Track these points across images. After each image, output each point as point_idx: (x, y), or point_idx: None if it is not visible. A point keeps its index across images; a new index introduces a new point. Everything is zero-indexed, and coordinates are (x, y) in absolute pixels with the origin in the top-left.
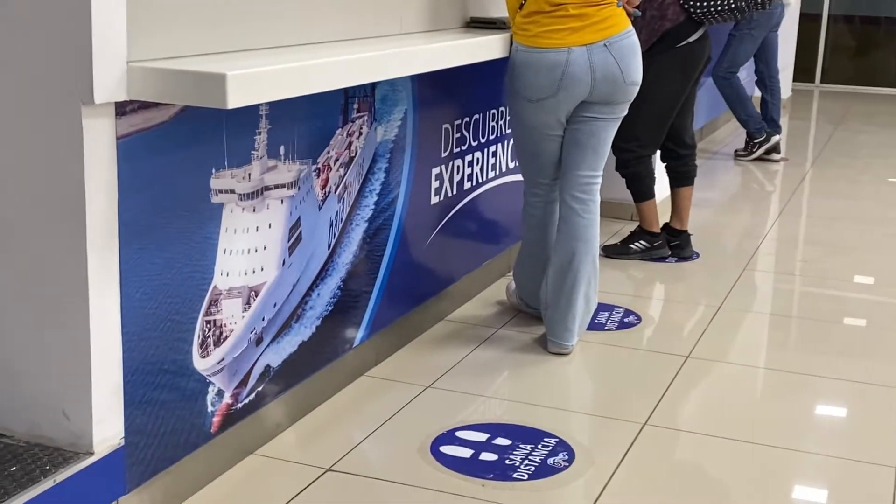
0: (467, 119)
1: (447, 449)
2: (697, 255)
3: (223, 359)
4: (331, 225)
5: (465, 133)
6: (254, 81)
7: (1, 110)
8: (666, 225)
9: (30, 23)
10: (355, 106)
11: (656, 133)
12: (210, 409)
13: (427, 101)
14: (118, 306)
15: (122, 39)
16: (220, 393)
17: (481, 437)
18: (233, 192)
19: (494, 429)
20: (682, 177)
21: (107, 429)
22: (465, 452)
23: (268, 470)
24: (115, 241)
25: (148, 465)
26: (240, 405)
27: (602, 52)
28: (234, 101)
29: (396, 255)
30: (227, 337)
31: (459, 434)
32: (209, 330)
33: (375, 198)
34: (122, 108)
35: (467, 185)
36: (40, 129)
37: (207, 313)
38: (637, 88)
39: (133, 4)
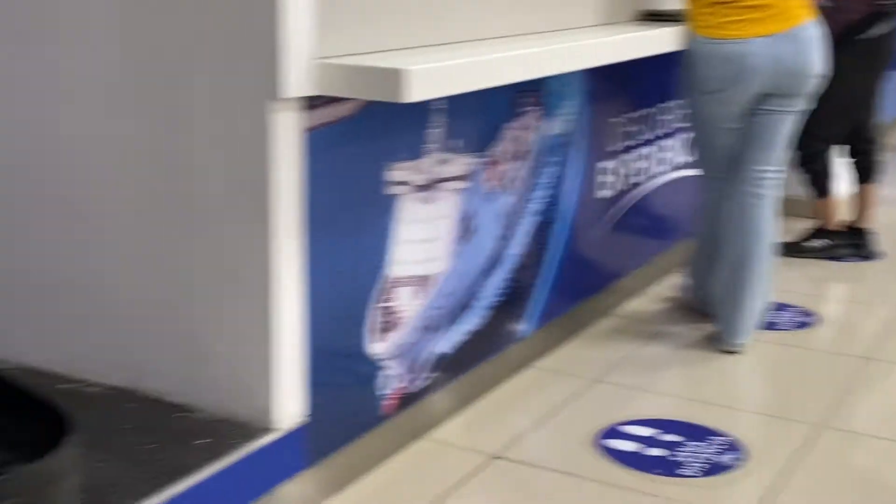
0: (639, 113)
1: (614, 442)
2: (881, 256)
3: (397, 344)
4: (501, 217)
5: (637, 127)
6: (432, 77)
7: (196, 104)
8: (850, 223)
9: (225, 23)
10: (528, 100)
11: (835, 129)
12: (384, 392)
13: (598, 94)
14: (301, 291)
15: (310, 37)
16: (393, 377)
17: (649, 432)
18: (408, 184)
19: (662, 424)
20: (863, 173)
21: (289, 407)
22: (632, 447)
23: (437, 454)
24: (300, 229)
25: (326, 442)
26: (412, 390)
27: (782, 43)
28: (413, 95)
29: (565, 248)
30: (400, 324)
31: (626, 428)
32: (384, 316)
33: (545, 191)
34: (310, 103)
35: (638, 179)
36: (232, 122)
37: (383, 300)
38: (817, 81)
39: (320, 4)
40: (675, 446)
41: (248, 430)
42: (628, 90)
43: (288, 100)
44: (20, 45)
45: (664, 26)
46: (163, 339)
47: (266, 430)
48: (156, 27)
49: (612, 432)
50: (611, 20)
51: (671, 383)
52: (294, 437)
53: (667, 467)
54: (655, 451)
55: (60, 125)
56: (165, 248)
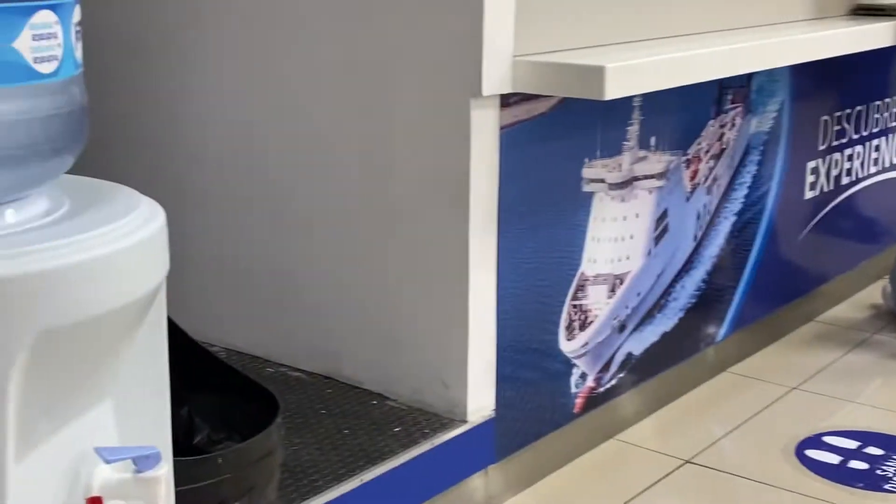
0: (848, 111)
1: (813, 453)
2: None
3: (587, 343)
4: (698, 217)
5: (846, 125)
6: (631, 73)
7: (399, 102)
8: None
9: (428, 23)
10: (729, 97)
11: None
12: (574, 390)
13: (806, 91)
14: (495, 285)
15: (510, 36)
16: (583, 376)
17: (851, 444)
18: (603, 181)
19: (866, 437)
20: None
21: (480, 399)
22: (833, 458)
23: (626, 455)
24: (495, 225)
25: (515, 437)
26: (601, 389)
27: None
28: (612, 92)
29: (765, 250)
30: (591, 322)
31: (827, 439)
32: (575, 314)
33: (746, 191)
34: (506, 100)
35: (845, 180)
36: (433, 119)
37: (574, 297)
38: None
39: (518, 2)
40: (880, 460)
41: (440, 421)
42: (838, 87)
43: (488, 97)
44: (243, 49)
45: (879, 20)
46: (362, 329)
47: (457, 421)
48: (365, 23)
49: (812, 442)
50: (822, 14)
51: (876, 394)
52: (484, 431)
53: (870, 481)
54: (858, 465)
55: (273, 124)
56: (366, 240)
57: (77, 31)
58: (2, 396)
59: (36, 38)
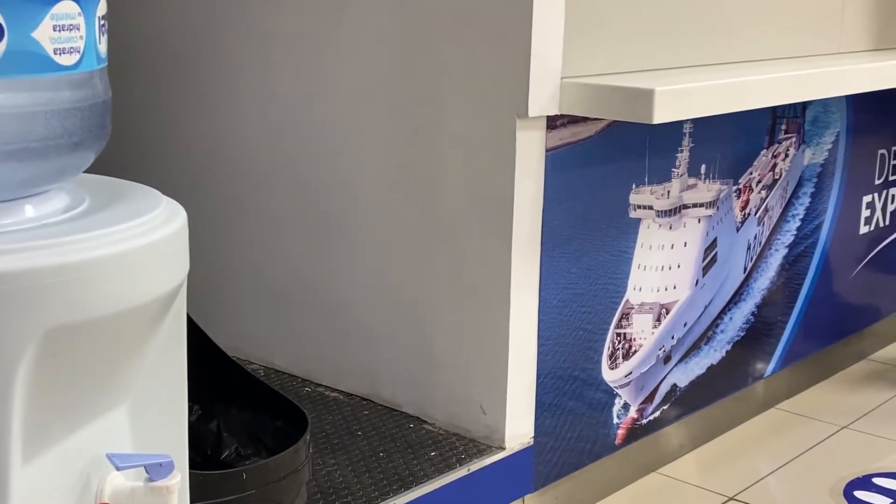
0: None
1: (862, 494)
2: None
3: (631, 372)
4: (748, 248)
5: None
6: (680, 98)
7: (446, 121)
8: None
9: (476, 42)
10: (783, 127)
11: None
12: (616, 421)
13: (862, 123)
14: (536, 310)
15: (558, 58)
16: (625, 406)
17: None
18: (651, 208)
19: None
20: None
21: (519, 427)
22: (883, 501)
23: (669, 490)
24: (538, 248)
25: (554, 467)
26: (644, 421)
27: None
28: (660, 116)
29: (817, 285)
30: (636, 351)
31: (877, 480)
32: (619, 342)
33: (798, 223)
34: (552, 122)
35: None
36: (479, 139)
37: (618, 326)
38: None
39: (567, 24)
40: None
41: (477, 447)
42: (895, 119)
43: (535, 118)
44: (291, 65)
45: None
46: (402, 351)
47: (495, 447)
48: (413, 42)
49: (862, 483)
50: (881, 45)
51: None
52: (522, 459)
53: None
54: None
55: (318, 142)
56: (408, 261)
57: (102, 25)
58: (7, 393)
59: (57, 28)
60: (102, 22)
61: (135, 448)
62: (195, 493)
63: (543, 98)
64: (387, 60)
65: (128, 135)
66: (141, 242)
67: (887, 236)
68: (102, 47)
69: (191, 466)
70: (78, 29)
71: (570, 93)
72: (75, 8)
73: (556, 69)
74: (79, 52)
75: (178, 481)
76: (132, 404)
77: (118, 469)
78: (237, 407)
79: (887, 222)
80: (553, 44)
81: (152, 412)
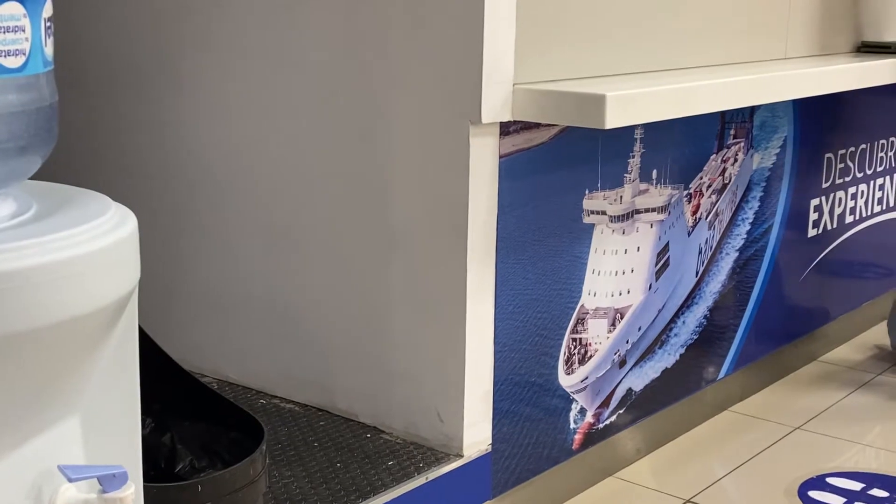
0: (852, 149)
1: (816, 494)
2: None
3: (587, 377)
4: (699, 252)
5: (850, 163)
6: (632, 103)
7: (397, 128)
8: None
9: (428, 48)
10: (732, 132)
11: None
12: (572, 426)
13: (809, 128)
14: (492, 317)
15: (510, 64)
16: (582, 411)
17: (856, 486)
18: (604, 213)
19: (870, 479)
20: None
21: (476, 434)
22: (837, 500)
23: (626, 494)
24: (493, 254)
25: (512, 473)
26: (601, 426)
27: None
28: (613, 121)
29: (767, 287)
30: (591, 356)
31: (831, 480)
32: (575, 348)
33: (748, 227)
34: (505, 128)
35: (849, 219)
36: (431, 146)
37: (574, 331)
38: None
39: (518, 31)
40: (885, 502)
41: (435, 455)
42: (842, 124)
43: (488, 125)
44: (238, 75)
45: (884, 57)
46: (357, 360)
47: (453, 455)
48: (365, 49)
49: (816, 483)
50: (826, 51)
51: (880, 436)
52: (480, 466)
53: None
54: None
55: (268, 150)
56: (362, 269)
57: (48, 27)
58: None
59: (1, 30)
60: (49, 24)
61: (87, 460)
62: None
63: (496, 104)
64: (338, 68)
65: (79, 145)
66: (91, 248)
67: (835, 239)
68: (49, 50)
69: (145, 480)
70: (23, 31)
71: (523, 98)
72: (20, 9)
73: (509, 75)
74: (24, 54)
75: (133, 493)
76: (84, 415)
77: (70, 481)
78: (191, 419)
79: (835, 225)
80: (505, 50)
81: (105, 423)
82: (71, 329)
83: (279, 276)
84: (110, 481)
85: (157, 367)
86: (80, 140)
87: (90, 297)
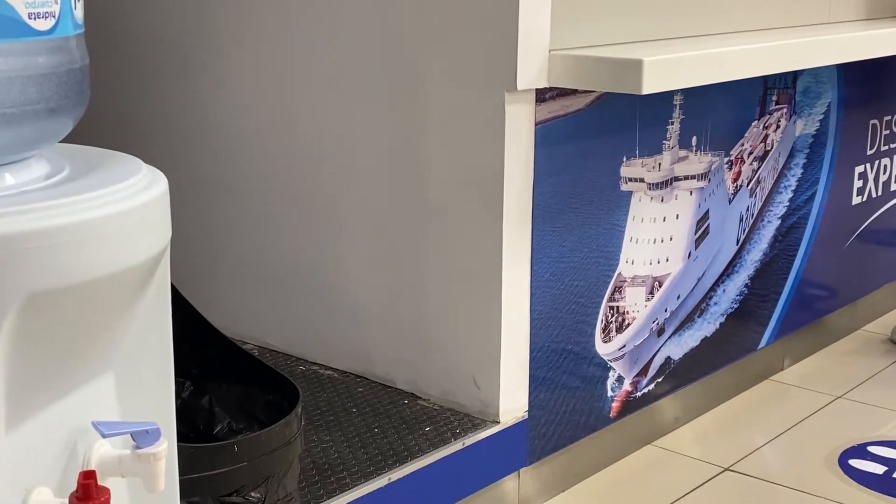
0: None
1: (857, 463)
2: None
3: (624, 345)
4: (741, 220)
5: (895, 130)
6: (670, 68)
7: (433, 96)
8: None
9: (463, 15)
10: (774, 98)
11: None
12: (610, 394)
13: (854, 94)
14: (528, 285)
15: (546, 30)
16: (619, 379)
17: None
18: (642, 180)
19: None
20: None
21: (513, 401)
22: (878, 469)
23: (664, 462)
24: (529, 223)
25: (549, 440)
26: (639, 394)
27: None
28: (650, 86)
29: (810, 256)
30: (629, 324)
31: (872, 449)
32: (612, 316)
33: (790, 194)
34: (541, 95)
35: (894, 186)
36: (467, 113)
37: (611, 299)
38: None
39: None
40: None
41: (472, 421)
42: (887, 90)
43: (524, 91)
44: (279, 45)
45: None
46: (395, 328)
47: (489, 422)
48: (400, 18)
49: (857, 452)
50: (872, 15)
51: None
52: (516, 432)
53: None
54: None
55: (307, 120)
56: (399, 238)
57: None
58: None
59: None
60: None
61: (122, 417)
62: (187, 466)
63: (532, 71)
64: (374, 38)
65: (127, 118)
66: (122, 207)
67: (880, 207)
68: (79, 13)
69: (184, 441)
70: None
71: (559, 65)
72: None
73: (545, 42)
74: (54, 16)
75: (166, 448)
76: (118, 373)
77: (104, 437)
78: (228, 382)
79: (880, 193)
80: (541, 16)
81: (139, 381)
82: (104, 287)
83: (317, 244)
84: (143, 437)
85: (196, 332)
86: (128, 112)
87: (122, 256)
